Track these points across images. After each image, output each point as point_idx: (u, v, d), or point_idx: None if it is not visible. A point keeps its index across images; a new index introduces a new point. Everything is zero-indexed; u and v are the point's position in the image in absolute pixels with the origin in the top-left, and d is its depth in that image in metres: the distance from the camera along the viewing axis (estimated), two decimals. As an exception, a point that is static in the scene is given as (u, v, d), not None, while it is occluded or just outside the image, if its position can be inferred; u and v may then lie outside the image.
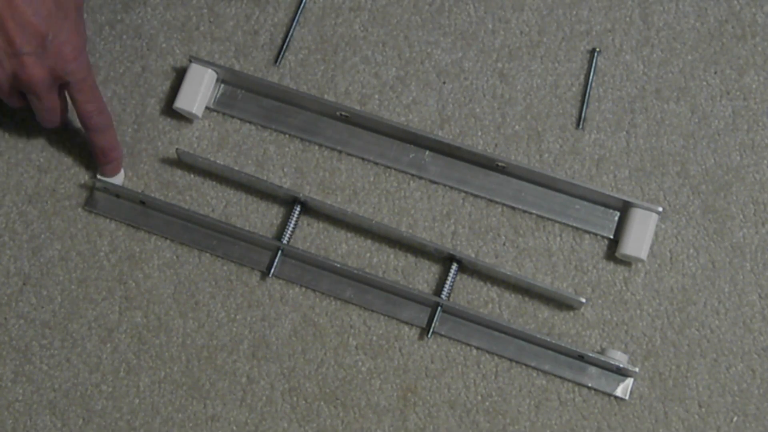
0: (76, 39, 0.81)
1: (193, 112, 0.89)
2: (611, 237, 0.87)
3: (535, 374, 0.85)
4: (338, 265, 0.85)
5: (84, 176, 0.90)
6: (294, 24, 0.93)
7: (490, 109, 0.91)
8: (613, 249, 0.87)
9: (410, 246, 0.88)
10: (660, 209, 0.85)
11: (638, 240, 0.85)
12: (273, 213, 0.89)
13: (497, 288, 0.87)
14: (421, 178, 0.89)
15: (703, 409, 0.84)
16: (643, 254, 0.84)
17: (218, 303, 0.87)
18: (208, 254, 0.88)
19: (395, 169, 0.90)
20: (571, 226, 0.88)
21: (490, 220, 0.88)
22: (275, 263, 0.87)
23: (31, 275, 0.88)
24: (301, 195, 0.87)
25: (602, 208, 0.88)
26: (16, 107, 0.85)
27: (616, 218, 0.87)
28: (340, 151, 0.90)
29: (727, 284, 0.86)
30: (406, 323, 0.86)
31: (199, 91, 0.89)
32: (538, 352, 0.85)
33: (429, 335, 0.85)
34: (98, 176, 0.89)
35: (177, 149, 0.88)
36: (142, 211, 0.89)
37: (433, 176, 0.89)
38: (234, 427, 0.85)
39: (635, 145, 0.90)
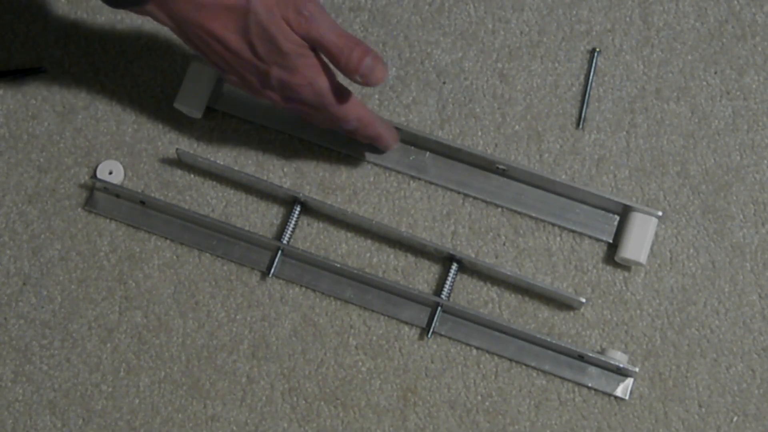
0: None
1: (194, 111, 0.89)
2: (610, 241, 0.87)
3: (535, 374, 0.85)
4: (338, 265, 0.85)
5: (84, 176, 0.90)
6: (294, 24, 0.93)
7: (490, 109, 0.91)
8: (612, 253, 0.87)
9: (410, 246, 0.88)
10: (660, 213, 0.85)
11: (638, 244, 0.85)
12: (273, 213, 0.89)
13: (497, 288, 0.87)
14: (421, 179, 0.89)
15: (703, 409, 0.84)
16: (643, 258, 0.84)
17: (218, 303, 0.87)
18: (208, 254, 0.88)
19: (395, 171, 0.90)
20: (571, 230, 0.88)
21: (490, 221, 0.88)
22: (275, 263, 0.87)
23: (31, 275, 0.88)
24: (301, 195, 0.87)
25: (602, 212, 0.88)
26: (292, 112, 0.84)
27: (616, 222, 0.87)
28: (339, 152, 0.90)
29: (727, 284, 0.86)
30: (406, 323, 0.86)
31: (199, 90, 0.89)
32: (538, 352, 0.85)
33: (429, 335, 0.85)
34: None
35: (177, 149, 0.88)
36: (142, 211, 0.89)
37: (433, 178, 0.89)
38: (234, 427, 0.85)
39: (635, 145, 0.90)
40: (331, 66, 0.79)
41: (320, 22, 0.77)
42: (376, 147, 0.88)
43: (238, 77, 0.80)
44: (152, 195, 0.89)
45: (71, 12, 0.94)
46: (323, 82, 0.79)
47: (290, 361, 0.86)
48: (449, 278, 0.86)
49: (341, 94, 0.81)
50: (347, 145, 0.90)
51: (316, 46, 0.78)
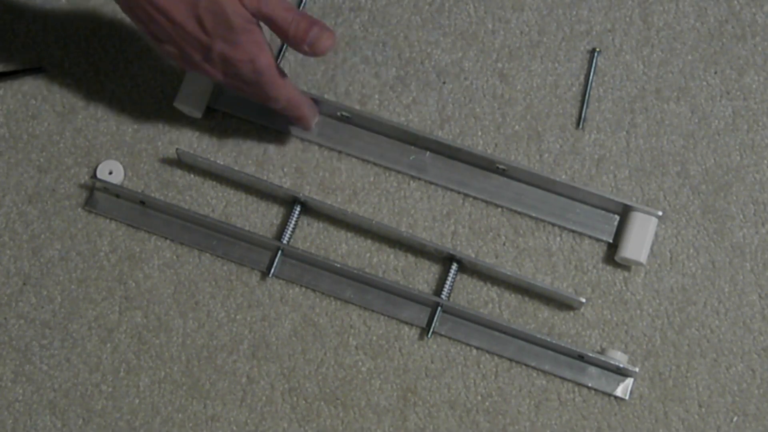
0: None
1: (194, 111, 0.89)
2: (610, 241, 0.87)
3: (535, 374, 0.85)
4: (338, 265, 0.85)
5: (84, 176, 0.90)
6: (294, 24, 0.93)
7: (490, 109, 0.91)
8: (612, 253, 0.87)
9: (410, 246, 0.88)
10: (660, 213, 0.85)
11: (638, 243, 0.85)
12: (273, 213, 0.89)
13: (497, 288, 0.87)
14: (421, 179, 0.89)
15: (703, 409, 0.84)
16: (643, 258, 0.84)
17: (218, 303, 0.87)
18: (208, 254, 0.88)
19: (395, 171, 0.90)
20: (571, 230, 0.88)
21: (490, 221, 0.88)
22: (275, 263, 0.87)
23: (31, 275, 0.88)
24: (301, 195, 0.87)
25: (602, 212, 0.87)
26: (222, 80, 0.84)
27: (616, 222, 0.87)
28: (340, 151, 0.90)
29: (727, 284, 0.86)
30: (406, 323, 0.86)
31: (199, 90, 0.89)
32: (538, 352, 0.85)
33: (429, 335, 0.85)
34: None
35: (177, 149, 0.88)
36: (142, 211, 0.89)
37: (433, 178, 0.89)
38: (234, 427, 0.85)
39: (635, 145, 0.90)
40: (271, 45, 0.81)
41: None
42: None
43: (177, 49, 0.81)
44: (152, 195, 0.89)
45: (71, 12, 0.94)
46: (264, 60, 0.80)
47: (290, 361, 0.86)
48: (449, 278, 0.86)
49: (278, 74, 0.82)
50: (347, 145, 0.89)
51: (264, 21, 0.79)
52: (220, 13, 0.77)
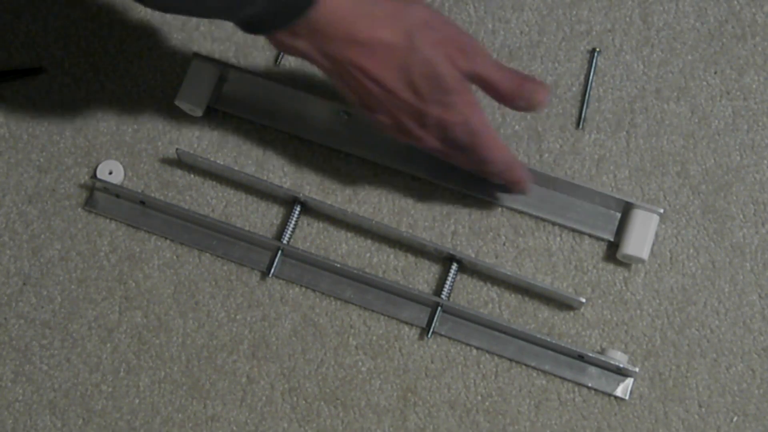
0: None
1: (195, 109, 0.89)
2: (611, 240, 0.87)
3: (535, 374, 0.85)
4: (338, 265, 0.85)
5: (84, 176, 0.90)
6: (294, 24, 0.93)
7: (490, 109, 0.91)
8: (613, 251, 0.87)
9: (410, 246, 0.88)
10: (661, 210, 0.85)
11: (639, 240, 0.85)
12: (273, 213, 0.89)
13: (497, 288, 0.87)
14: (421, 179, 0.89)
15: (703, 409, 0.84)
16: (645, 254, 0.84)
17: (218, 303, 0.87)
18: (208, 254, 0.88)
19: (395, 170, 0.89)
20: (571, 229, 0.88)
21: (490, 220, 0.88)
22: (275, 263, 0.87)
23: (31, 275, 0.88)
24: (301, 195, 0.87)
25: (603, 210, 0.87)
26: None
27: (617, 221, 0.87)
28: (340, 151, 0.90)
29: (727, 284, 0.86)
30: (406, 323, 0.86)
31: (200, 88, 0.89)
32: (538, 352, 0.85)
33: (429, 335, 0.85)
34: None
35: (177, 149, 0.88)
36: (142, 211, 0.89)
37: (433, 178, 0.89)
38: (234, 427, 0.85)
39: (635, 145, 0.90)
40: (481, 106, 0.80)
41: (482, 58, 0.78)
42: (509, 189, 0.87)
43: (390, 118, 0.78)
44: (152, 195, 0.89)
45: (71, 12, 0.94)
46: (478, 119, 0.79)
47: (290, 361, 0.86)
48: (449, 278, 0.86)
49: (491, 135, 0.80)
50: (347, 145, 0.89)
51: (476, 81, 0.78)
52: (435, 76, 0.75)
